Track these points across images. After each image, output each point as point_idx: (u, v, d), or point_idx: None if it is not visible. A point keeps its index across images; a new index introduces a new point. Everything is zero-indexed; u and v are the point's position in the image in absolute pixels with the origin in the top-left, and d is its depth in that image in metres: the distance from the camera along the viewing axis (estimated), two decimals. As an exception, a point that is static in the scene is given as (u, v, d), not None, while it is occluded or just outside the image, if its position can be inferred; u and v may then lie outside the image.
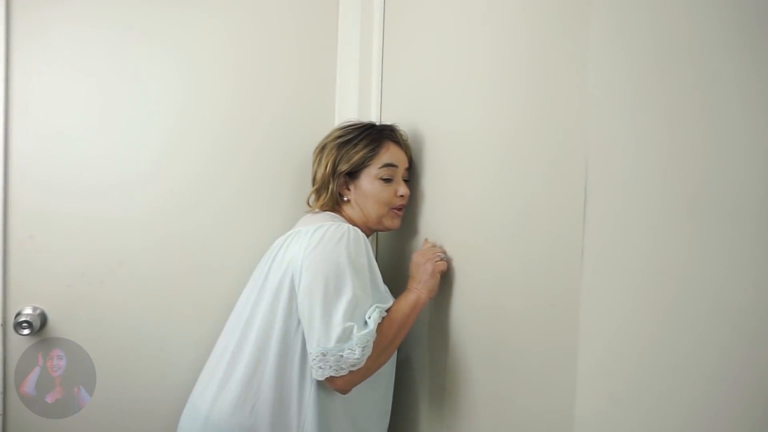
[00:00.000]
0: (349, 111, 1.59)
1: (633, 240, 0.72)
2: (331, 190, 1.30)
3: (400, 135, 1.35)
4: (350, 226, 1.18)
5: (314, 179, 1.36)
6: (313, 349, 1.07)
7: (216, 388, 1.18)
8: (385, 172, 1.28)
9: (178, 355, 1.50)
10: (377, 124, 1.36)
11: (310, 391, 1.13)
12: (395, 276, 1.39)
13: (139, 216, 1.47)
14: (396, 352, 1.30)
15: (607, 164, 0.77)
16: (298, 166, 1.57)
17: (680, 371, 0.66)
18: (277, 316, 1.15)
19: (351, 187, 1.31)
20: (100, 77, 1.43)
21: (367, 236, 1.36)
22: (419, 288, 1.19)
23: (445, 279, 1.23)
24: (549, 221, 0.92)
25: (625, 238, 0.73)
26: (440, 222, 1.28)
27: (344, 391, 1.10)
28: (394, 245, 1.50)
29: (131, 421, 1.47)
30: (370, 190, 1.28)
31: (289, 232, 1.24)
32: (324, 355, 1.05)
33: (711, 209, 0.61)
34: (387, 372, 1.26)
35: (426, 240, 1.28)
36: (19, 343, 1.38)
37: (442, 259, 1.21)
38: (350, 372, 1.05)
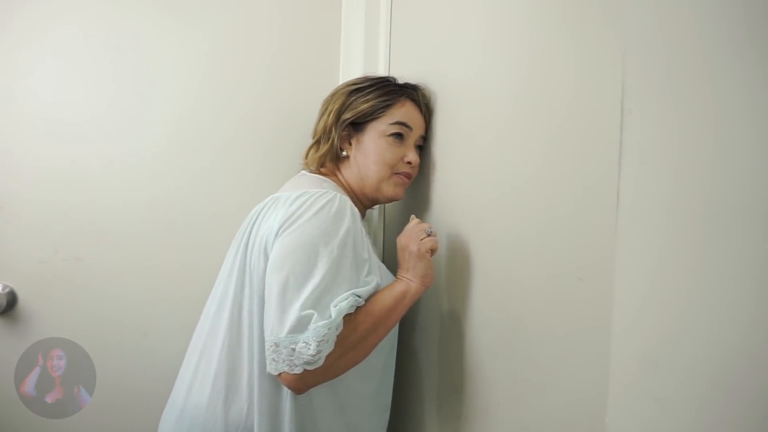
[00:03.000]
0: (355, 64, 1.41)
1: (683, 189, 0.51)
2: (332, 140, 1.11)
3: (423, 95, 1.15)
4: (338, 194, 0.98)
5: (315, 131, 1.18)
6: (267, 337, 0.89)
7: (190, 378, 1.02)
8: (395, 130, 1.09)
9: (163, 341, 1.35)
10: (400, 80, 1.17)
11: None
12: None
13: (120, 187, 1.32)
14: (395, 344, 1.11)
15: (648, 90, 0.55)
16: (298, 127, 1.39)
17: (749, 363, 0.45)
18: (254, 297, 0.97)
19: (353, 141, 1.12)
20: (72, 36, 1.28)
21: (367, 207, 1.17)
22: (408, 276, 0.98)
23: (458, 255, 1.02)
24: (574, 172, 0.71)
25: (674, 186, 0.51)
26: (452, 187, 1.08)
27: (297, 391, 0.91)
28: (404, 219, 1.30)
29: (111, 413, 1.32)
30: (372, 147, 1.09)
31: (268, 198, 1.06)
32: (276, 345, 0.87)
33: None
34: (381, 364, 1.07)
35: (412, 217, 1.07)
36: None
37: (428, 235, 1.00)
38: (305, 370, 0.86)
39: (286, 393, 0.95)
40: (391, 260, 1.32)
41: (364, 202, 1.15)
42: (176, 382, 1.08)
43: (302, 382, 0.88)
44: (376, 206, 1.34)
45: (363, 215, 1.17)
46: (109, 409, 1.32)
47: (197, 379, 1.01)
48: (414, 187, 1.19)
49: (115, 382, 1.32)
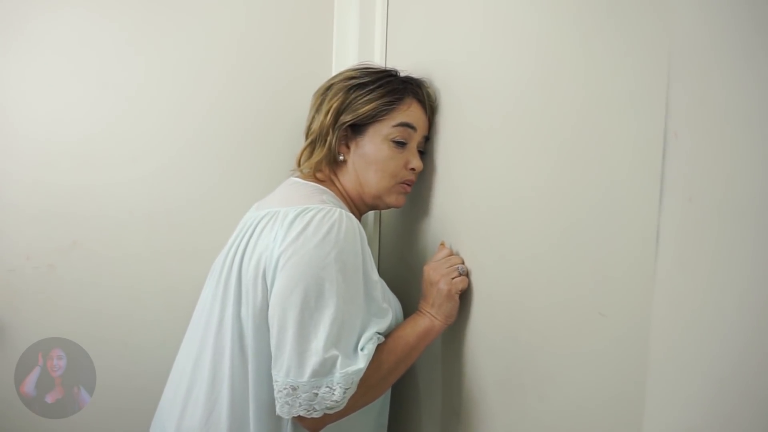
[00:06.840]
0: (349, 48, 1.30)
1: (741, 238, 0.41)
2: (329, 144, 1.00)
3: (428, 94, 1.04)
4: (343, 212, 0.88)
5: (309, 130, 1.05)
6: (280, 379, 0.80)
7: (181, 403, 0.92)
8: (399, 133, 0.98)
9: (144, 351, 1.25)
10: (401, 74, 1.05)
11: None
12: (399, 268, 1.11)
13: (95, 188, 1.21)
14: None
15: (700, 110, 0.45)
16: (286, 122, 1.29)
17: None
18: (248, 324, 0.88)
19: (351, 145, 1.01)
20: (46, 29, 1.17)
21: (363, 213, 1.08)
22: (432, 313, 0.91)
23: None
24: (602, 191, 0.61)
25: (731, 233, 0.42)
26: (455, 195, 0.98)
27: (314, 431, 0.85)
28: (401, 227, 1.20)
29: (89, 430, 1.25)
30: (374, 153, 0.99)
31: (262, 213, 0.94)
32: (294, 389, 0.78)
33: None
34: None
35: (441, 245, 0.98)
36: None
37: (460, 274, 0.92)
38: (325, 414, 0.80)
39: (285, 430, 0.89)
40: (386, 269, 1.24)
41: (361, 209, 1.05)
42: (162, 403, 0.99)
43: (321, 423, 0.83)
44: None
45: (359, 221, 1.07)
46: (87, 425, 1.24)
47: (202, 414, 0.90)
48: (413, 194, 1.09)
49: (93, 396, 1.24)
